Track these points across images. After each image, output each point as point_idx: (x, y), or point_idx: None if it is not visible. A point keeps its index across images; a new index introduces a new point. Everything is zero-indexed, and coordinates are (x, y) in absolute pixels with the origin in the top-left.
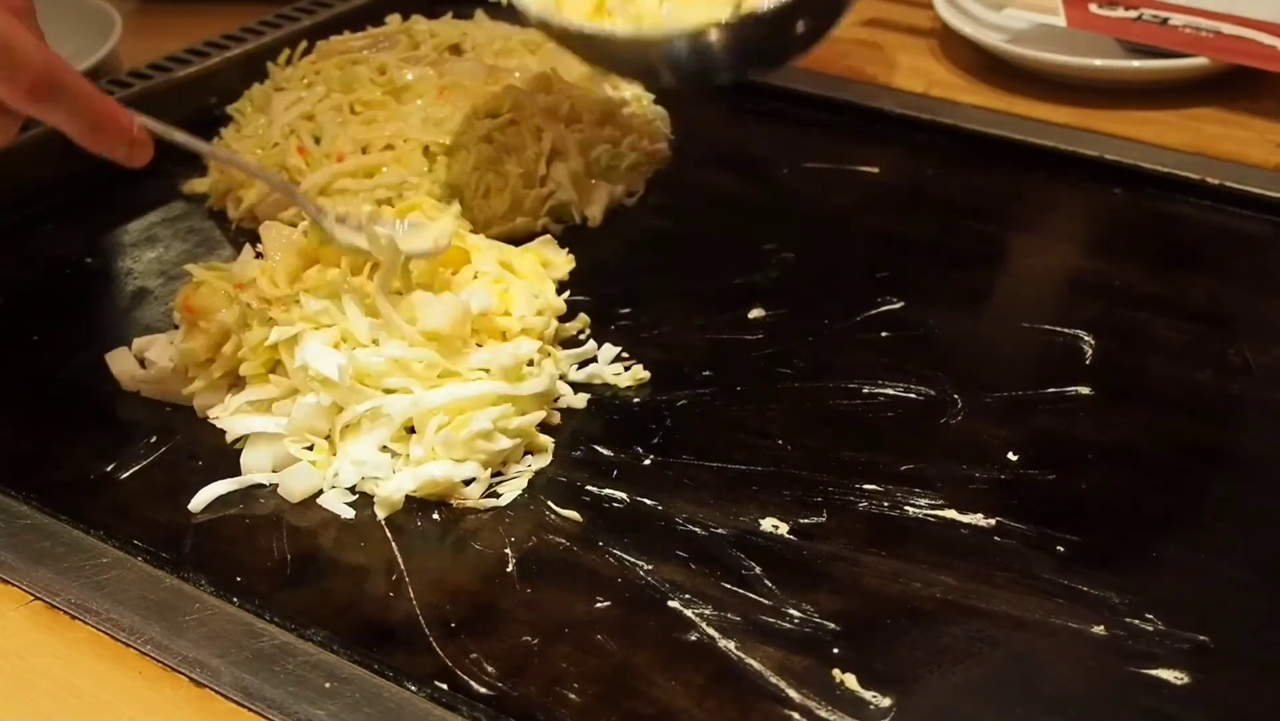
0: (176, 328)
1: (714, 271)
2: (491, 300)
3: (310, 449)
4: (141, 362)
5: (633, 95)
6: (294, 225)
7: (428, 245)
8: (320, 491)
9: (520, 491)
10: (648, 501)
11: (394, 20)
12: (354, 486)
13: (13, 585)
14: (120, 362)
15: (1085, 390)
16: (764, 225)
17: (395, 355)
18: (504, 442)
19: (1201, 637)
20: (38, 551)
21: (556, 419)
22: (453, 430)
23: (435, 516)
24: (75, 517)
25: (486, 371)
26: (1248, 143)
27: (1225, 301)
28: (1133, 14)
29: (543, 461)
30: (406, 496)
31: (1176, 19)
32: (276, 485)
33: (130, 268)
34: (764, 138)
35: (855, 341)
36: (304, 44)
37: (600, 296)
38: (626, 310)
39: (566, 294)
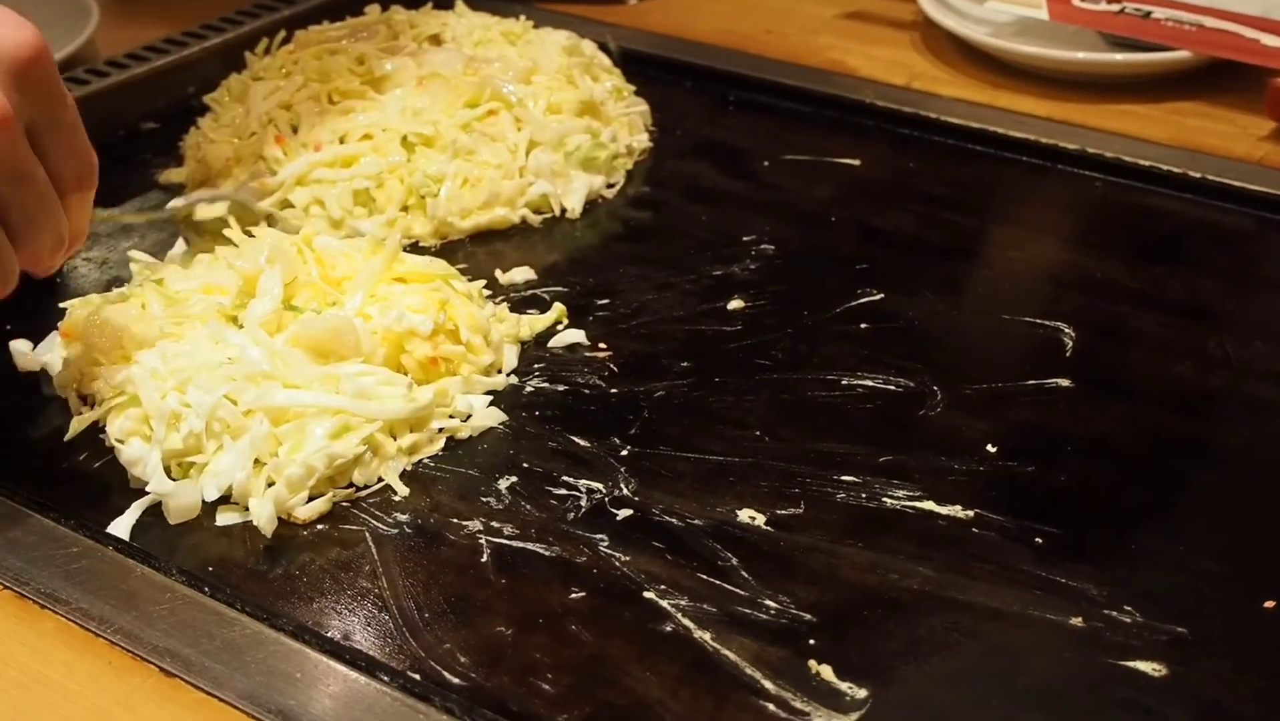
0: None
1: (693, 263)
2: (424, 321)
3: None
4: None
5: (613, 87)
6: (269, 219)
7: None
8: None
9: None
10: (624, 492)
11: (373, 11)
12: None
13: None
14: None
15: (1065, 382)
16: (744, 217)
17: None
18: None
19: (1179, 629)
20: (7, 540)
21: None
22: (285, 460)
23: (410, 506)
24: (46, 507)
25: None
26: (1230, 136)
27: (1206, 295)
28: (1115, 7)
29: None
30: (379, 491)
31: (1159, 12)
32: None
33: (105, 257)
34: (745, 130)
35: (834, 333)
36: (282, 34)
37: (578, 288)
38: (605, 301)
39: (544, 286)
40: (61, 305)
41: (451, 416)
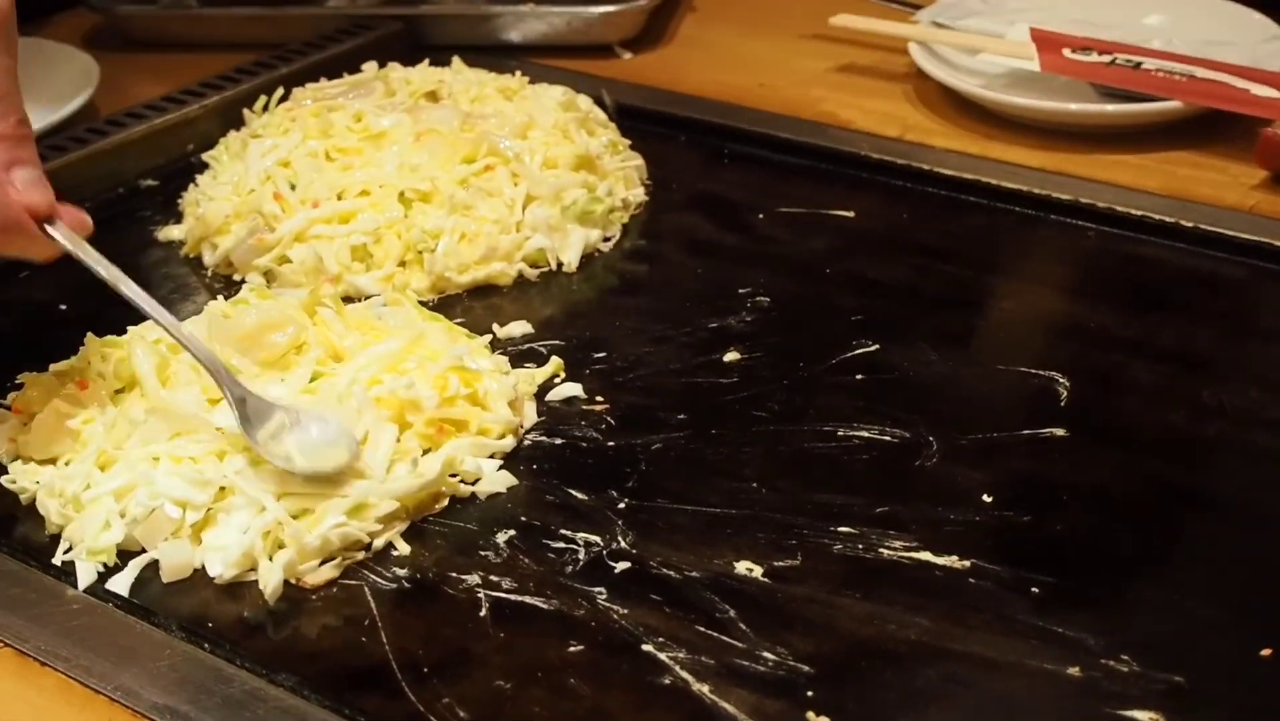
0: None
1: (689, 315)
2: (431, 397)
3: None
4: None
5: (609, 141)
6: (268, 275)
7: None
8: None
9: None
10: (622, 545)
11: (370, 68)
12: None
13: None
14: None
15: (1060, 432)
16: (740, 269)
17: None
18: (358, 534)
19: (1176, 678)
20: (8, 598)
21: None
22: (304, 529)
23: (409, 561)
24: (46, 564)
25: None
26: (1222, 185)
27: (1200, 343)
28: (1106, 59)
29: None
30: (369, 545)
31: (1150, 63)
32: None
33: (105, 314)
34: (740, 182)
35: (830, 384)
36: (280, 91)
37: (575, 341)
38: (602, 354)
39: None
40: (20, 379)
41: (457, 477)
